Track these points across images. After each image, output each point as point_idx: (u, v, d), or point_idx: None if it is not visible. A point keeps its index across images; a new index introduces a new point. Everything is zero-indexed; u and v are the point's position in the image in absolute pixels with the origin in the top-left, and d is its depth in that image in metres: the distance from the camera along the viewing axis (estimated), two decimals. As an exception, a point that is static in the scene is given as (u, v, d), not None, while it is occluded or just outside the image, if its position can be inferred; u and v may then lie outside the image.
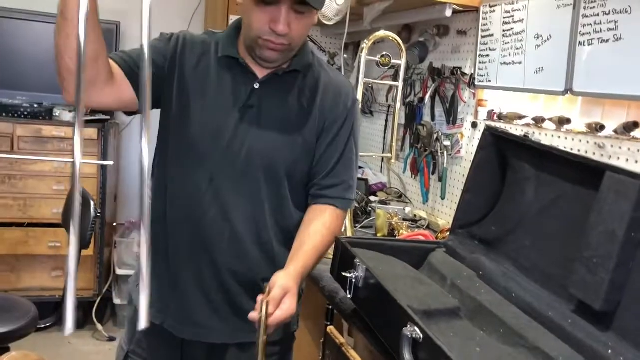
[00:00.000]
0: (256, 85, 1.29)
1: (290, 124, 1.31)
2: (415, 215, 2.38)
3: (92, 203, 2.06)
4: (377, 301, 1.22)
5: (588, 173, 1.17)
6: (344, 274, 1.31)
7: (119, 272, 3.17)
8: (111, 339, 3.08)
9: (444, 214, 2.30)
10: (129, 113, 1.30)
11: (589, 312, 1.09)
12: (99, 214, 2.08)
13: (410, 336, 1.04)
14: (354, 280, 1.30)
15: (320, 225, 1.32)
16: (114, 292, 3.25)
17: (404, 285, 1.26)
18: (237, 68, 1.30)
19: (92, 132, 2.97)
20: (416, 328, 1.04)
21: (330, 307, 1.82)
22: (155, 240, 1.37)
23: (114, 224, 3.48)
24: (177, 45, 1.31)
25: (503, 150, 1.43)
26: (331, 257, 1.45)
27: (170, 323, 1.36)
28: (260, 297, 1.15)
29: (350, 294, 1.32)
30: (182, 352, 1.38)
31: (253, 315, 1.14)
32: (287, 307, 1.15)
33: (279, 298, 1.15)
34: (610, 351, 1.02)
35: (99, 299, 3.16)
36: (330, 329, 1.44)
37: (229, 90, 1.30)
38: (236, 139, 1.28)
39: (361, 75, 1.94)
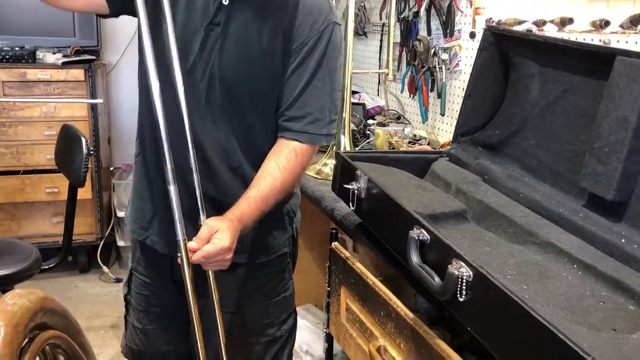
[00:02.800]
0: (225, 2, 1.20)
1: (257, 47, 1.22)
2: (415, 135, 2.33)
3: (83, 140, 2.00)
4: (380, 210, 1.19)
5: (596, 62, 1.11)
6: (345, 186, 1.28)
7: (120, 214, 3.15)
8: (118, 281, 3.09)
9: (444, 131, 2.25)
10: (102, 16, 1.26)
11: (600, 204, 1.06)
12: (92, 152, 2.03)
13: (417, 238, 1.01)
14: (356, 192, 1.26)
15: (274, 166, 1.25)
16: (117, 235, 3.24)
17: (407, 192, 1.22)
18: None
19: (78, 73, 2.88)
20: (423, 230, 1.01)
21: (334, 230, 1.80)
22: (140, 162, 1.38)
23: (111, 168, 3.43)
24: None
25: (505, 50, 1.36)
26: (330, 178, 1.42)
27: (152, 239, 1.38)
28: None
29: (353, 206, 1.28)
30: (172, 270, 1.39)
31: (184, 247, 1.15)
32: (217, 242, 1.14)
33: (206, 235, 1.14)
34: (623, 240, 0.99)
35: (102, 242, 3.15)
36: (335, 244, 1.41)
37: (200, 5, 1.22)
38: (199, 62, 1.22)
39: (352, -11, 1.84)
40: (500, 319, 0.84)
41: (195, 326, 1.18)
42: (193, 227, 1.22)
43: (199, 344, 1.19)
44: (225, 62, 1.22)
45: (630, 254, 0.96)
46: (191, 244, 1.14)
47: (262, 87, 1.25)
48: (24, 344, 1.30)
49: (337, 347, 2.33)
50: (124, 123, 3.52)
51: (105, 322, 2.74)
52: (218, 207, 1.28)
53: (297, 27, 1.23)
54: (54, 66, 2.87)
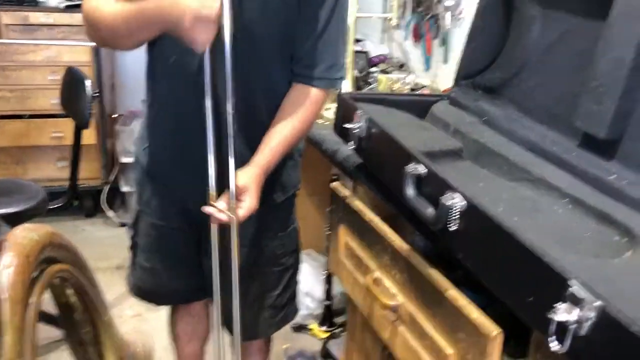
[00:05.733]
0: None
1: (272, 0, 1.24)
2: (417, 84, 2.34)
3: (87, 82, 2.02)
4: (380, 148, 1.22)
5: (596, 2, 1.12)
6: (346, 125, 1.30)
7: (124, 160, 3.19)
8: (123, 225, 3.15)
9: (446, 79, 2.24)
10: None
11: (593, 143, 1.09)
12: (96, 94, 2.05)
13: (413, 172, 1.04)
14: (356, 131, 1.29)
15: (292, 113, 1.31)
16: (121, 181, 3.29)
17: (406, 131, 1.25)
18: None
19: (79, 18, 2.86)
20: (419, 165, 1.04)
21: (335, 176, 1.83)
22: (162, 116, 1.40)
23: (114, 115, 3.45)
24: None
25: (508, -8, 1.37)
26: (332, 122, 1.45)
27: (171, 179, 1.42)
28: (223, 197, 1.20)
29: (353, 145, 1.31)
30: (184, 213, 1.43)
31: (208, 209, 1.20)
32: (247, 206, 1.21)
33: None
34: (613, 176, 1.02)
35: (107, 187, 3.20)
36: (335, 184, 1.45)
37: None
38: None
39: None
40: (489, 247, 0.88)
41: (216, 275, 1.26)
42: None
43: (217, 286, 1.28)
44: (247, 14, 1.23)
45: (619, 189, 1.00)
46: (219, 204, 1.20)
47: (281, 37, 1.28)
48: (34, 275, 1.36)
49: (335, 290, 2.42)
50: (128, 70, 3.51)
51: (111, 264, 2.81)
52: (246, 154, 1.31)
53: None
54: (57, 9, 2.85)
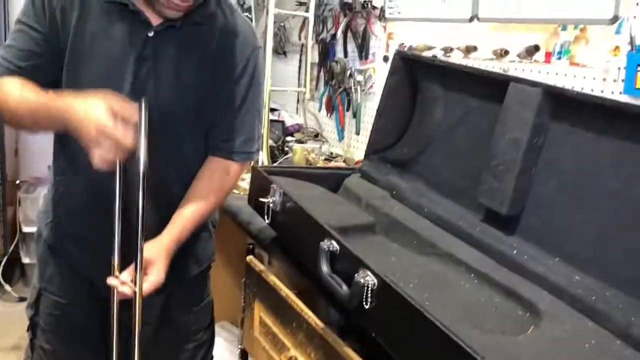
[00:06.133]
0: (150, 34, 1.20)
1: (188, 76, 1.24)
2: (331, 153, 2.40)
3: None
4: (294, 222, 1.22)
5: (493, 87, 1.20)
6: (261, 199, 1.30)
7: (26, 229, 3.01)
8: (22, 300, 2.93)
9: (359, 149, 2.32)
10: None
11: (495, 219, 1.15)
12: (-4, 163, 1.94)
13: (327, 249, 1.05)
14: (271, 205, 1.29)
15: (207, 185, 1.30)
16: (21, 251, 3.09)
17: (320, 206, 1.26)
18: (127, 14, 1.19)
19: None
20: (333, 241, 1.05)
21: (251, 246, 1.81)
22: (69, 191, 1.34)
23: (17, 182, 3.27)
24: (49, 5, 1.18)
25: (413, 73, 1.45)
26: (247, 192, 1.45)
27: (74, 256, 1.35)
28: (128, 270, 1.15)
29: (268, 219, 1.31)
30: (90, 287, 1.36)
31: (111, 281, 1.15)
32: (153, 280, 1.17)
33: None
34: (515, 252, 1.08)
35: (5, 259, 2.99)
36: (250, 258, 1.43)
37: (120, 39, 1.20)
38: (134, 94, 1.19)
39: (271, 8, 1.89)
40: (402, 325, 0.89)
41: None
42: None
43: None
44: (161, 93, 1.22)
45: (521, 264, 1.05)
46: (124, 277, 1.14)
47: (195, 113, 1.27)
48: None
49: (251, 364, 2.34)
50: (33, 136, 3.36)
51: (6, 343, 2.59)
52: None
53: (225, 54, 1.26)
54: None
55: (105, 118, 1.03)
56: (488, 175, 1.15)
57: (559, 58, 1.57)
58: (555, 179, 1.09)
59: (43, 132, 1.20)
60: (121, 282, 1.14)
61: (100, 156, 1.04)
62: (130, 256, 1.16)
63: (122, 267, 1.17)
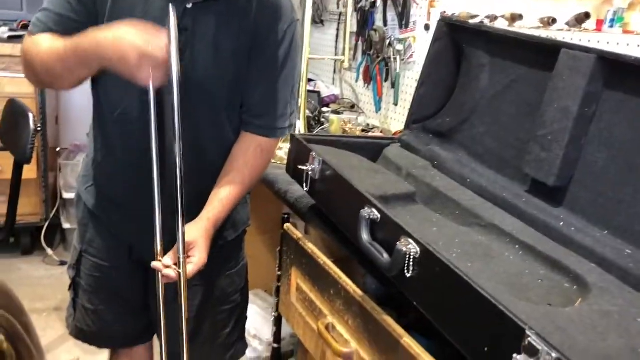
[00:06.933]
0: (189, 5, 1.19)
1: (225, 48, 1.23)
2: (368, 125, 2.37)
3: (30, 115, 1.94)
4: (333, 190, 1.21)
5: (543, 54, 1.16)
6: (300, 167, 1.29)
7: (66, 195, 3.07)
8: (62, 264, 3.01)
9: (397, 121, 2.29)
10: None
11: (542, 190, 1.11)
12: (39, 129, 1.97)
13: (367, 217, 1.04)
14: (310, 173, 1.28)
15: (242, 164, 1.30)
16: (62, 217, 3.16)
17: (359, 174, 1.25)
18: None
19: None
20: (373, 209, 1.04)
21: (286, 215, 1.81)
22: (107, 159, 1.36)
23: (57, 149, 3.33)
24: None
25: (457, 40, 1.41)
26: (284, 162, 1.44)
27: (115, 221, 1.38)
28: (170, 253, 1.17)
29: (306, 187, 1.30)
30: (130, 251, 1.40)
31: (155, 264, 1.17)
32: (196, 261, 1.18)
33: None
34: (562, 223, 1.05)
35: (47, 223, 3.07)
36: (287, 225, 1.43)
37: (158, 10, 1.18)
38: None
39: (311, -25, 1.85)
40: (444, 293, 0.87)
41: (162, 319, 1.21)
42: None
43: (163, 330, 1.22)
44: (199, 65, 1.22)
45: (568, 236, 1.02)
46: (166, 261, 1.16)
47: (231, 87, 1.27)
48: (-37, 320, 1.26)
49: (284, 331, 2.36)
50: (73, 103, 3.42)
51: (48, 305, 2.67)
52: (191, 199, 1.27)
53: (262, 27, 1.25)
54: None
55: (140, 40, 1.05)
56: (535, 145, 1.11)
57: (612, 26, 1.50)
58: (606, 149, 1.05)
59: (78, 80, 1.20)
60: (165, 266, 1.16)
61: (144, 77, 1.07)
62: (171, 237, 1.17)
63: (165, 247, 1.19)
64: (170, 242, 1.18)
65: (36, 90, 2.85)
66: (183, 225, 1.17)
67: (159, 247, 1.18)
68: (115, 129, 1.30)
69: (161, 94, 1.12)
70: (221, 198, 1.28)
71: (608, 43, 1.48)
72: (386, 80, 2.31)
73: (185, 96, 1.20)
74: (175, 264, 1.17)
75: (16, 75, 2.80)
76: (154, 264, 1.18)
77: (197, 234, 1.21)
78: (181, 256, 1.16)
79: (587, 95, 1.05)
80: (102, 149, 1.36)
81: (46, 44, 1.16)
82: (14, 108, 2.09)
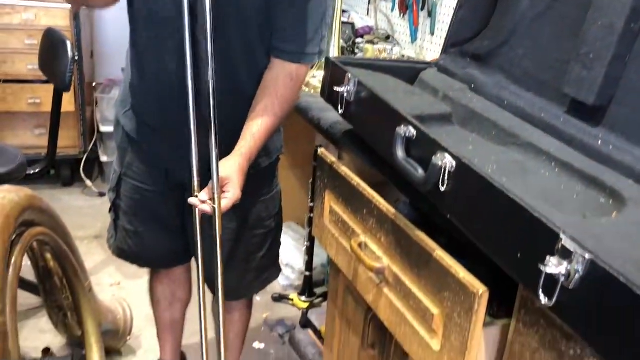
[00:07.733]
0: None
1: None
2: (403, 56, 2.34)
3: (68, 43, 1.97)
4: (369, 111, 1.21)
5: (588, -31, 1.12)
6: (335, 88, 1.29)
7: (103, 129, 3.14)
8: (101, 195, 3.11)
9: (432, 51, 2.25)
10: None
11: (581, 110, 1.09)
12: (77, 58, 2.00)
13: (403, 135, 1.04)
14: (345, 95, 1.28)
15: (273, 96, 1.31)
16: (99, 150, 3.24)
17: (395, 95, 1.24)
18: None
19: (59, -20, 2.80)
20: (410, 127, 1.04)
21: (318, 147, 1.83)
22: (145, 82, 1.38)
23: (93, 84, 3.38)
24: None
25: (499, -41, 1.36)
26: (317, 90, 1.43)
27: (153, 144, 1.42)
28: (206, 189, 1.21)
29: (341, 109, 1.30)
30: (167, 175, 1.44)
31: (192, 200, 1.21)
32: (230, 196, 1.22)
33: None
34: (600, 142, 1.03)
35: (85, 156, 3.15)
36: (321, 150, 1.44)
37: None
38: None
39: None
40: (479, 205, 0.88)
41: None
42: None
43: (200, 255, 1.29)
44: None
45: (606, 154, 1.01)
46: (202, 196, 1.20)
47: (264, 14, 1.27)
48: (13, 237, 1.33)
49: (315, 261, 2.42)
50: (108, 37, 3.44)
51: (89, 233, 2.78)
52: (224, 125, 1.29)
53: None
54: (34, -29, 2.78)
55: None
56: (576, 65, 1.09)
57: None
58: (650, 67, 1.02)
59: None
60: (201, 201, 1.20)
61: None
62: (206, 169, 1.21)
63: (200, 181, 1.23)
64: (206, 171, 1.21)
65: (72, 22, 2.88)
66: (217, 158, 1.20)
67: (195, 183, 1.22)
68: (150, 48, 1.32)
69: (194, 7, 1.13)
70: (253, 132, 1.29)
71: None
72: (422, 9, 2.26)
73: (217, 15, 1.20)
74: (210, 199, 1.20)
75: (53, 5, 2.82)
76: (191, 200, 1.22)
77: (231, 169, 1.23)
78: (216, 191, 1.20)
79: (634, 11, 1.01)
80: (138, 73, 1.38)
81: None
82: (52, 37, 2.11)
